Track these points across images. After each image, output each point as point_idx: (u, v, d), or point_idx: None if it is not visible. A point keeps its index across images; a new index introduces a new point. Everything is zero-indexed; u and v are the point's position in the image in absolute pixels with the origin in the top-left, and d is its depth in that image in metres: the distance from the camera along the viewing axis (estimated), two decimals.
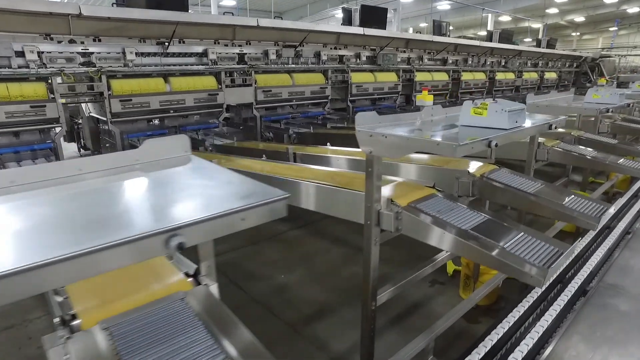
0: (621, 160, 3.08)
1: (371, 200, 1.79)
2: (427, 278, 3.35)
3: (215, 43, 5.58)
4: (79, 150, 7.41)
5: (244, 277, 3.49)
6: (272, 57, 5.97)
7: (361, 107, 7.70)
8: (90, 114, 5.59)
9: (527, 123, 2.15)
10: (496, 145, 1.62)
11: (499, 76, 11.26)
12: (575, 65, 15.44)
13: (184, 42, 5.27)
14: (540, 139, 3.61)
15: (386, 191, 1.95)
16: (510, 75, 11.80)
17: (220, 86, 5.54)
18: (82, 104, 5.63)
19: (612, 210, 2.03)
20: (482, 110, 1.86)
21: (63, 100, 5.01)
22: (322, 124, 5.98)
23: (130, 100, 4.77)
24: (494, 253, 1.51)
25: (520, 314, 2.02)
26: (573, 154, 3.30)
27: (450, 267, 3.40)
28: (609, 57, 16.46)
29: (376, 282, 1.94)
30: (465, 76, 9.92)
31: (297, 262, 3.72)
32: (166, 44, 5.01)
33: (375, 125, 1.85)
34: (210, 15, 5.08)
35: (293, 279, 3.44)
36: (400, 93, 8.19)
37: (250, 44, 5.91)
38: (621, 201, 3.10)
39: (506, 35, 12.00)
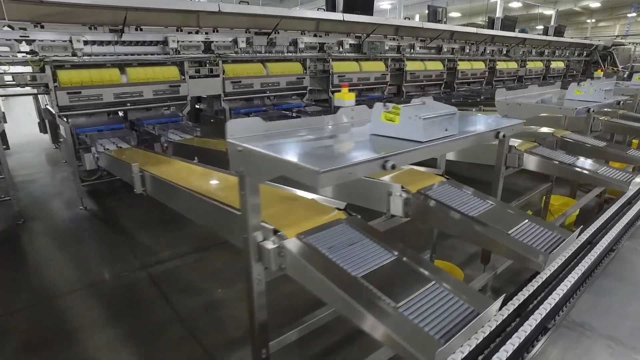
0: (602, 170, 2.64)
1: (247, 231, 1.42)
2: None
3: (178, 30, 5.19)
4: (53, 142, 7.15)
5: (177, 290, 3.17)
6: (242, 45, 5.56)
7: None
8: (47, 106, 5.28)
9: (473, 129, 1.75)
10: (393, 167, 1.23)
11: (500, 65, 10.67)
12: (585, 54, 14.66)
13: (141, 29, 4.89)
14: (516, 141, 3.19)
15: (278, 215, 1.58)
16: (513, 65, 11.18)
17: (183, 77, 5.17)
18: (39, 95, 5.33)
19: (559, 250, 1.63)
20: (394, 117, 1.46)
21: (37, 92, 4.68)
22: (295, 117, 5.58)
23: (80, 92, 4.42)
24: (380, 318, 1.14)
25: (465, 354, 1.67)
26: (549, 161, 2.87)
27: None
28: (623, 45, 15.59)
29: (265, 326, 1.59)
30: (462, 65, 9.37)
31: (240, 273, 3.37)
32: (120, 31, 4.64)
33: (260, 135, 1.48)
34: (166, 0, 4.67)
35: (230, 293, 3.11)
36: (389, 83, 7.72)
37: (217, 31, 5.50)
38: (599, 222, 2.67)
39: (509, 22, 11.36)
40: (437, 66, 8.78)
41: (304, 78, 6.30)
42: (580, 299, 2.02)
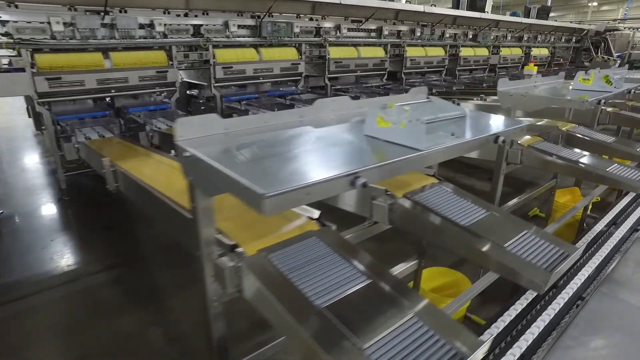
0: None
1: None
2: None
3: None
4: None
5: None
6: (58, 27, 4.06)
7: (239, 95, 5.75)
8: None
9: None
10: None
11: (466, 52, 9.05)
12: (575, 40, 12.92)
13: None
14: None
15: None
16: (482, 52, 9.56)
17: None
18: None
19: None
20: None
21: None
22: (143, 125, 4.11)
23: None
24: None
25: None
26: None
27: None
28: (618, 30, 13.76)
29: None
30: (412, 52, 7.79)
31: None
32: None
33: None
34: None
35: None
36: (304, 75, 6.20)
37: (17, 6, 3.99)
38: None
39: (479, 2, 9.69)
40: (377, 53, 7.22)
41: (167, 71, 4.80)
42: None
